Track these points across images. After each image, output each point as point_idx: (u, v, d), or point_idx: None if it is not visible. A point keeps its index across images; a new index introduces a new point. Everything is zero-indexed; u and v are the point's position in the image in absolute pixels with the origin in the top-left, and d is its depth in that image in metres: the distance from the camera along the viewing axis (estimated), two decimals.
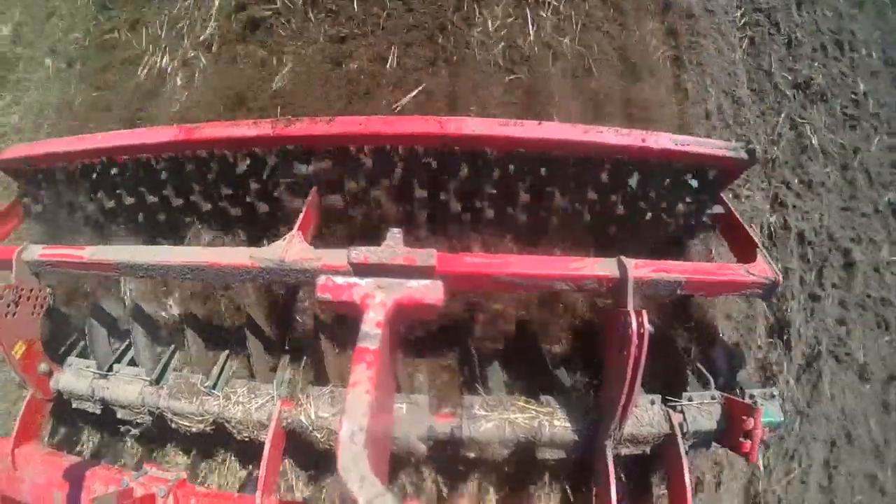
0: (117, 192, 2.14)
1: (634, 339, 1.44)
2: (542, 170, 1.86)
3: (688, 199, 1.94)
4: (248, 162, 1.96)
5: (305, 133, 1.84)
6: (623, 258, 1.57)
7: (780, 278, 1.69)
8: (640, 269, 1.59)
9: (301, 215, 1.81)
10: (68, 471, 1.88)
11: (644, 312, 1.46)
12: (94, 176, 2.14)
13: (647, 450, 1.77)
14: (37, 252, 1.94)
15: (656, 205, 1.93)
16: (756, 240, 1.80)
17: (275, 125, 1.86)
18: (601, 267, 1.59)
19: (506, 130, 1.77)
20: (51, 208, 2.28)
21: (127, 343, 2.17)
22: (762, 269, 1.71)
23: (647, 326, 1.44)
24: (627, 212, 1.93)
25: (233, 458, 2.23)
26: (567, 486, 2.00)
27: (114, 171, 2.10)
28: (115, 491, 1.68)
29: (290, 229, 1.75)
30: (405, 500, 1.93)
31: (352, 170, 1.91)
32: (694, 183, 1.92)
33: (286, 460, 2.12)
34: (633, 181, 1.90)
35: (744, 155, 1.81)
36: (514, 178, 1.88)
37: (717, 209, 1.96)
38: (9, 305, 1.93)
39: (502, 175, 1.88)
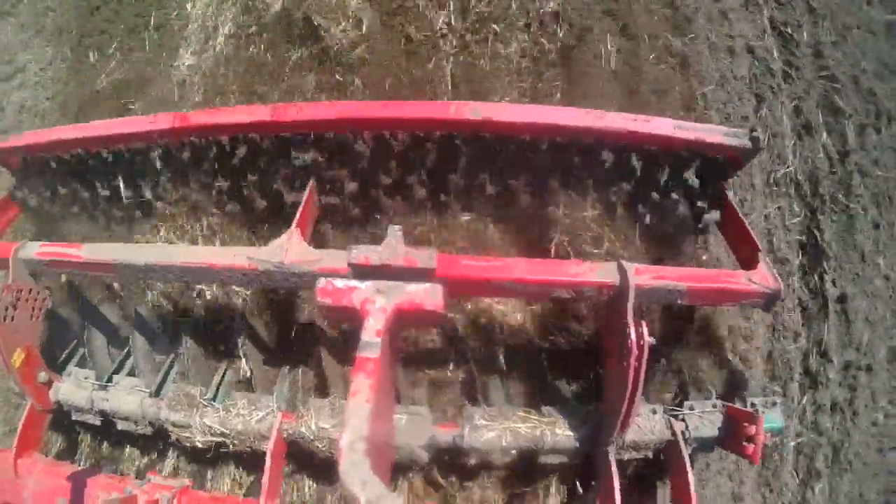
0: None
1: (635, 351, 1.39)
2: (542, 156, 1.76)
3: (686, 194, 1.84)
4: (243, 150, 1.91)
5: (304, 118, 1.78)
6: (623, 262, 1.52)
7: (782, 287, 1.62)
8: (640, 274, 1.53)
9: (299, 211, 1.73)
10: (71, 480, 1.84)
11: (644, 323, 1.41)
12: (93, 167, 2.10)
13: (650, 454, 1.74)
14: (34, 250, 1.83)
15: (652, 202, 1.85)
16: (758, 244, 1.71)
17: (273, 110, 1.81)
18: (601, 273, 1.54)
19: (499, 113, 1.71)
20: (48, 202, 2.21)
21: (126, 351, 2.14)
22: (763, 276, 1.63)
23: (647, 338, 1.39)
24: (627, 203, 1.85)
25: None
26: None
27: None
28: (118, 498, 1.66)
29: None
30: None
31: (352, 158, 1.84)
32: (693, 175, 1.80)
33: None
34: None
35: (747, 143, 1.69)
36: (506, 163, 1.80)
37: (716, 213, 1.87)
38: (6, 309, 1.80)
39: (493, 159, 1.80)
